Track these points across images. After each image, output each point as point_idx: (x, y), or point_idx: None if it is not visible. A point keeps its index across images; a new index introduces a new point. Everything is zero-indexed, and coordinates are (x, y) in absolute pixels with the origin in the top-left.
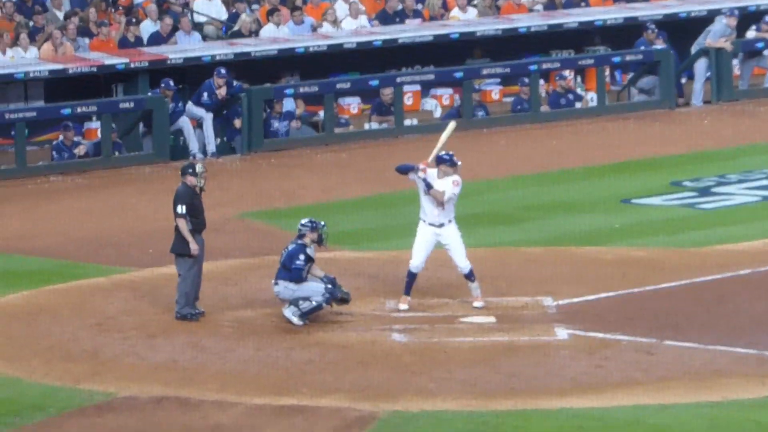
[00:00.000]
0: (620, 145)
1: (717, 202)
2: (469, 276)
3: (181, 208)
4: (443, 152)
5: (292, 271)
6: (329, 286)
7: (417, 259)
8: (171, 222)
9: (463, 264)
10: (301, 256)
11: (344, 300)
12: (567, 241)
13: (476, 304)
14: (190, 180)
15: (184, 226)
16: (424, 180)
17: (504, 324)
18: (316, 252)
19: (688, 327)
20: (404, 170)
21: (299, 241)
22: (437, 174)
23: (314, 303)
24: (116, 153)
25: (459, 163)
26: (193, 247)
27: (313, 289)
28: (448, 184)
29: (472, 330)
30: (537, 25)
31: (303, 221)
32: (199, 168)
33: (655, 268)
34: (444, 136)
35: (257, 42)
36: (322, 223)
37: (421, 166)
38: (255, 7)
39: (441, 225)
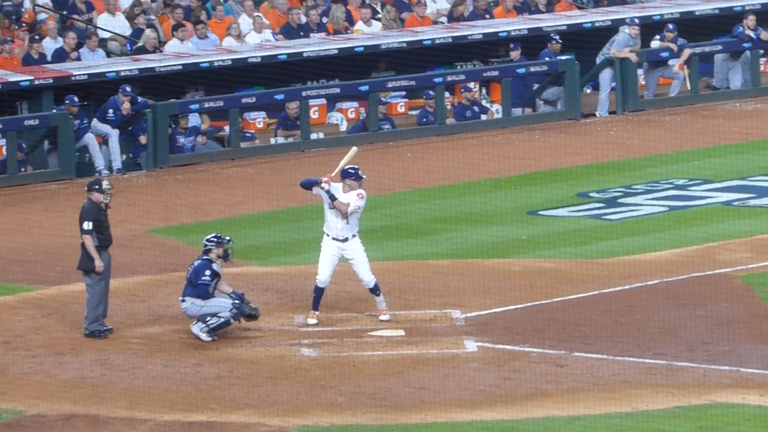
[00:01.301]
0: (526, 156)
1: (623, 213)
2: (375, 290)
3: (87, 225)
4: (349, 166)
5: (198, 287)
6: (236, 301)
7: (323, 274)
8: (78, 239)
9: (368, 278)
10: (207, 272)
11: (253, 316)
12: (474, 253)
13: (382, 317)
14: (96, 196)
15: (90, 242)
16: (328, 192)
17: (413, 337)
18: (223, 267)
19: (597, 338)
20: (308, 185)
21: (205, 257)
22: (342, 188)
23: (222, 319)
24: (22, 170)
25: (364, 176)
26: (98, 263)
27: (221, 305)
28: (352, 197)
29: (380, 343)
30: (441, 38)
31: (209, 237)
32: (105, 184)
33: (563, 280)
34: (346, 159)
35: (162, 57)
36: (228, 238)
37: (325, 179)
38: (151, 18)
39: (345, 239)
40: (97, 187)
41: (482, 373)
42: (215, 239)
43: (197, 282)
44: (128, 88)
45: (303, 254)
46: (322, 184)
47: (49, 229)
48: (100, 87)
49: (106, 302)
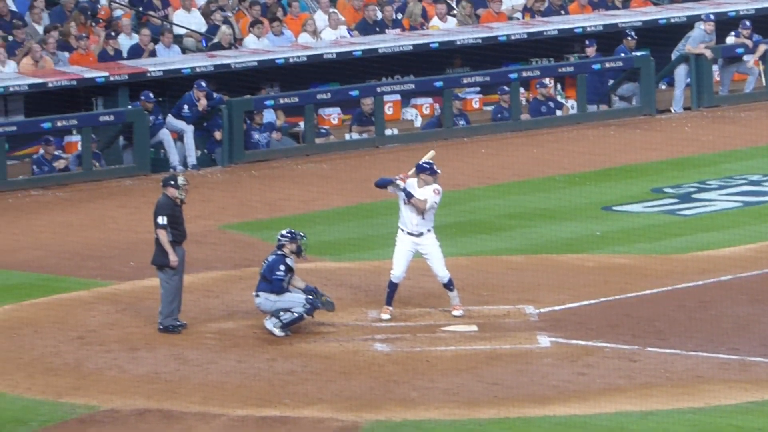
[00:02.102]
0: (601, 152)
1: (698, 209)
2: (449, 285)
3: (162, 219)
4: (423, 161)
5: (272, 283)
6: (310, 296)
7: (398, 269)
8: (152, 234)
9: (443, 273)
10: (281, 267)
11: (328, 307)
12: (548, 248)
13: (455, 313)
14: (171, 192)
15: (164, 237)
16: (404, 190)
17: (486, 332)
18: (297, 263)
19: (671, 333)
20: (383, 184)
21: (279, 252)
22: (417, 183)
23: (295, 314)
24: (96, 164)
25: (439, 171)
26: (172, 258)
27: (294, 300)
28: (429, 193)
29: (454, 339)
30: (516, 34)
31: (282, 232)
32: (180, 180)
33: (636, 275)
34: (423, 160)
35: (237, 54)
36: (302, 234)
37: (401, 176)
38: (228, 15)
39: (420, 234)
40: (172, 182)
41: (555, 369)
42: (289, 235)
43: (272, 277)
44: (203, 84)
45: (377, 250)
46: (398, 182)
47: (124, 224)
48: (175, 83)
49: (180, 298)
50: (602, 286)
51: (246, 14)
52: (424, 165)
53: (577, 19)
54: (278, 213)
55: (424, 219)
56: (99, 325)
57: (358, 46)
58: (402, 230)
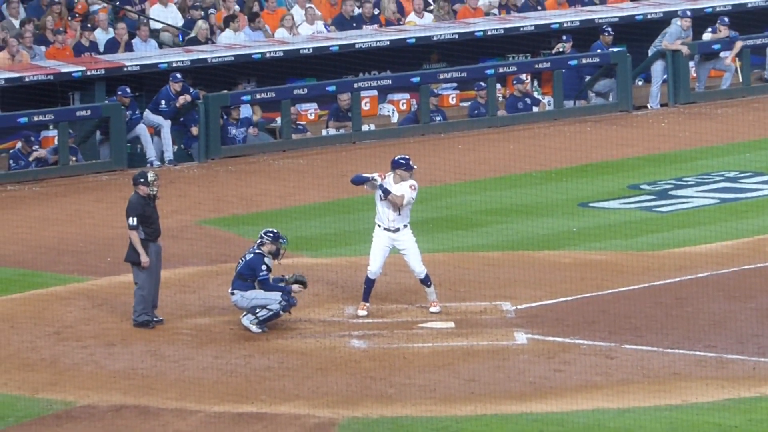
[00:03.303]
0: (577, 148)
1: (674, 205)
2: (425, 281)
3: (132, 220)
4: (399, 156)
5: (260, 284)
6: (285, 294)
7: (374, 265)
8: (128, 230)
9: (419, 269)
10: (263, 267)
11: (301, 282)
12: (525, 245)
13: (432, 309)
14: (143, 189)
15: (136, 238)
16: (381, 186)
17: (463, 329)
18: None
19: (648, 330)
20: (359, 181)
21: (257, 251)
22: (393, 179)
23: (272, 311)
24: (73, 159)
25: (415, 167)
26: (144, 259)
27: (270, 297)
28: (405, 188)
29: (431, 335)
30: (493, 29)
31: (266, 230)
32: (150, 176)
33: (613, 272)
34: None
35: (213, 48)
36: (285, 238)
37: (378, 173)
38: (211, 11)
39: (396, 230)
40: (142, 180)
41: (532, 365)
42: (272, 234)
43: (257, 276)
44: (179, 76)
45: (354, 245)
46: (375, 179)
47: (100, 220)
48: (152, 78)
49: (156, 293)
50: (579, 283)
51: (222, 8)
52: (400, 161)
53: (553, 15)
54: (255, 208)
55: (401, 215)
56: (75, 320)
57: (335, 42)
58: (379, 226)
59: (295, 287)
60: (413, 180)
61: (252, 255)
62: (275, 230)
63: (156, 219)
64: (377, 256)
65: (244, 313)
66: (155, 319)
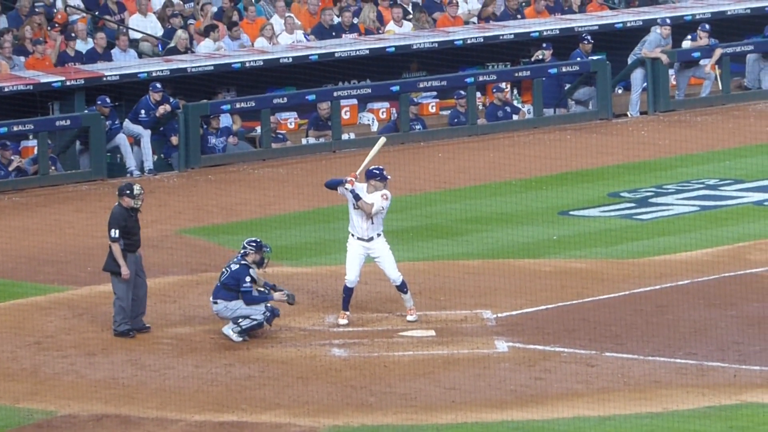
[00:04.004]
0: (557, 156)
1: (655, 213)
2: (402, 287)
3: (114, 232)
4: (373, 167)
5: (243, 295)
6: (269, 305)
7: (351, 274)
8: (108, 240)
9: (395, 275)
10: (248, 279)
11: (289, 300)
12: (505, 253)
13: (410, 317)
14: (127, 201)
15: (117, 250)
16: (352, 192)
17: (443, 337)
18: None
19: (628, 338)
20: (333, 185)
21: (243, 261)
22: (367, 188)
23: (255, 321)
24: (53, 168)
25: (389, 177)
26: (124, 272)
27: (254, 307)
28: (377, 198)
29: (411, 344)
30: (473, 38)
31: (249, 240)
32: (136, 189)
33: (594, 280)
34: (373, 151)
35: (193, 58)
36: (268, 246)
37: (349, 179)
38: (191, 22)
39: (370, 239)
40: (128, 192)
41: (513, 373)
42: (255, 244)
43: (240, 289)
44: (158, 85)
45: (334, 254)
46: (346, 185)
47: (81, 229)
48: (131, 88)
49: (144, 301)
50: (559, 291)
51: (201, 18)
52: (374, 171)
53: (533, 24)
54: (235, 218)
55: (374, 224)
56: (56, 330)
57: (314, 50)
58: (352, 235)
59: (277, 295)
60: (386, 190)
61: (237, 266)
62: (258, 239)
63: (137, 231)
64: (353, 265)
65: (228, 323)
66: (144, 326)
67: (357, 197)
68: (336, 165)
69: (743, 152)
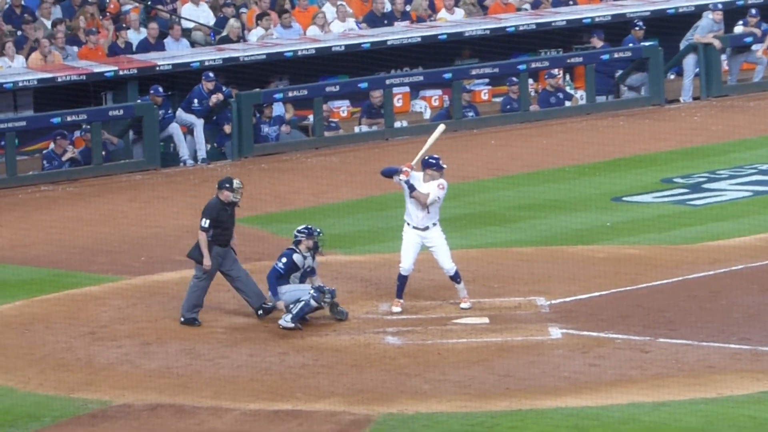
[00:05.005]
0: (610, 143)
1: (708, 199)
2: (455, 278)
3: (205, 222)
4: (429, 156)
5: (271, 270)
6: (316, 285)
7: (406, 262)
8: (161, 229)
9: (449, 266)
10: (283, 260)
11: (332, 299)
12: (559, 240)
13: (463, 305)
14: (225, 195)
15: (203, 239)
16: (407, 182)
17: (497, 324)
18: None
19: (682, 324)
20: (389, 173)
21: (290, 247)
22: (423, 177)
23: (302, 302)
24: (104, 153)
25: (445, 166)
26: (206, 262)
27: (300, 289)
28: (433, 187)
29: (465, 331)
30: (525, 24)
31: (299, 228)
32: (236, 183)
33: (647, 266)
34: (432, 138)
35: (245, 47)
36: (318, 230)
37: (404, 168)
38: (243, 11)
39: (425, 228)
40: (227, 185)
41: (567, 360)
42: (305, 231)
43: (274, 267)
44: (211, 74)
45: (387, 242)
46: (401, 175)
47: (134, 219)
48: (184, 77)
49: (253, 288)
50: (613, 277)
51: (254, 6)
52: (431, 161)
53: (585, 10)
54: (288, 206)
55: (429, 213)
56: (110, 320)
57: (366, 39)
58: (408, 224)
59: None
60: (443, 179)
61: (285, 250)
62: (309, 226)
63: (230, 225)
64: (408, 254)
65: (282, 315)
66: (265, 306)
67: (412, 188)
68: (389, 153)
69: None
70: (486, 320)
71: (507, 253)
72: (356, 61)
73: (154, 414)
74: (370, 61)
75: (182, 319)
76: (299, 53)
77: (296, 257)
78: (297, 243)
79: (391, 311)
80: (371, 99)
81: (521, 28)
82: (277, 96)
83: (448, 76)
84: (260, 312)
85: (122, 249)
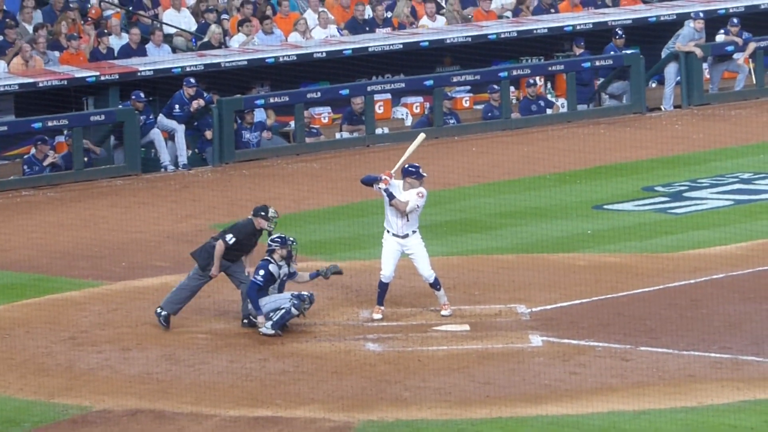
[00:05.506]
0: (591, 150)
1: (689, 207)
2: (435, 285)
3: (231, 239)
4: (409, 164)
5: (249, 284)
6: (295, 292)
7: (386, 270)
8: (143, 234)
9: (428, 273)
10: (261, 272)
11: (334, 270)
12: (540, 247)
13: (444, 312)
14: (260, 222)
15: (220, 250)
16: (386, 191)
17: (478, 332)
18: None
19: (663, 332)
20: (368, 182)
21: (267, 258)
22: (403, 186)
23: (283, 310)
24: (85, 159)
25: (425, 175)
26: (214, 272)
27: (280, 298)
28: (412, 195)
29: (446, 338)
30: (506, 32)
31: (273, 237)
32: (271, 212)
33: (628, 274)
34: (412, 146)
35: (227, 53)
36: (292, 238)
37: (384, 177)
38: (224, 17)
39: (405, 236)
40: (263, 213)
41: (547, 368)
42: (279, 240)
43: (252, 280)
44: (192, 80)
45: (368, 249)
46: (380, 183)
47: (115, 224)
48: (165, 83)
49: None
50: (594, 285)
51: (235, 13)
52: (410, 169)
53: (566, 18)
54: None
55: (409, 221)
56: (91, 325)
57: (348, 45)
58: (388, 231)
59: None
60: (422, 188)
61: (260, 261)
62: (282, 234)
63: (248, 251)
64: (388, 261)
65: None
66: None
67: (391, 196)
68: (370, 159)
69: None
70: (466, 327)
71: (487, 261)
72: (338, 68)
73: (134, 419)
74: (352, 68)
75: (158, 310)
76: (281, 59)
77: (272, 268)
78: (271, 252)
79: (372, 318)
80: (352, 105)
81: (503, 36)
82: (259, 102)
83: (429, 83)
84: (245, 321)
85: (103, 254)
